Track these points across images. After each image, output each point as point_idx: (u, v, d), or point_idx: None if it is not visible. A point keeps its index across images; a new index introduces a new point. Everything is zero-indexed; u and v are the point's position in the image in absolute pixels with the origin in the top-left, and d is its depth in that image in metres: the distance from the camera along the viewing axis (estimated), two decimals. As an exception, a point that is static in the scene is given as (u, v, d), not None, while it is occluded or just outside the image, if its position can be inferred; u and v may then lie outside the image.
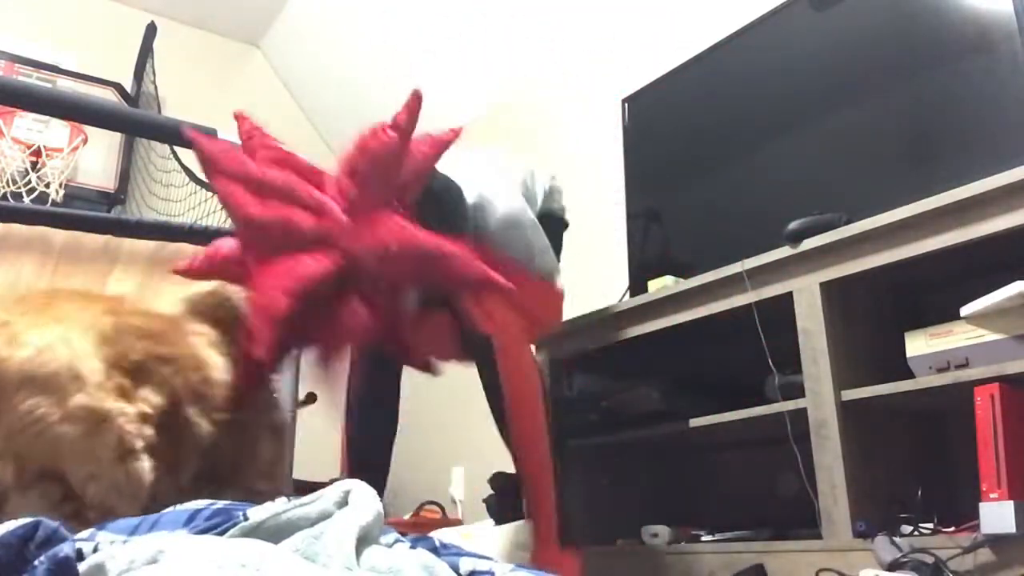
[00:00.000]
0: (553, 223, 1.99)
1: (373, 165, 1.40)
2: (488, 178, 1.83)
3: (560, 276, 1.85)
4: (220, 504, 0.77)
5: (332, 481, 0.82)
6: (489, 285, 1.44)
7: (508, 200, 1.80)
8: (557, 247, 2.01)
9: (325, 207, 1.34)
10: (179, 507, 0.78)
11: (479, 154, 2.00)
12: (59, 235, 1.79)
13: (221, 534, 0.72)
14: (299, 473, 1.68)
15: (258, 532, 0.72)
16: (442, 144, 1.53)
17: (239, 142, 1.60)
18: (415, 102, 1.42)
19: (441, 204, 1.66)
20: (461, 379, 1.77)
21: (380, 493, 0.86)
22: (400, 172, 1.44)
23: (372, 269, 1.37)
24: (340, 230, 1.34)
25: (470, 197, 1.75)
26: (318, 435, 1.94)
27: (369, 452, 1.82)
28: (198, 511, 0.75)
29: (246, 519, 0.73)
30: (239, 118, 1.49)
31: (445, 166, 1.61)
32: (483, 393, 1.73)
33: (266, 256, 1.32)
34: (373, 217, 1.38)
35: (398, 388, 1.89)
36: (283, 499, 0.76)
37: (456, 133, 1.55)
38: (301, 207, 1.33)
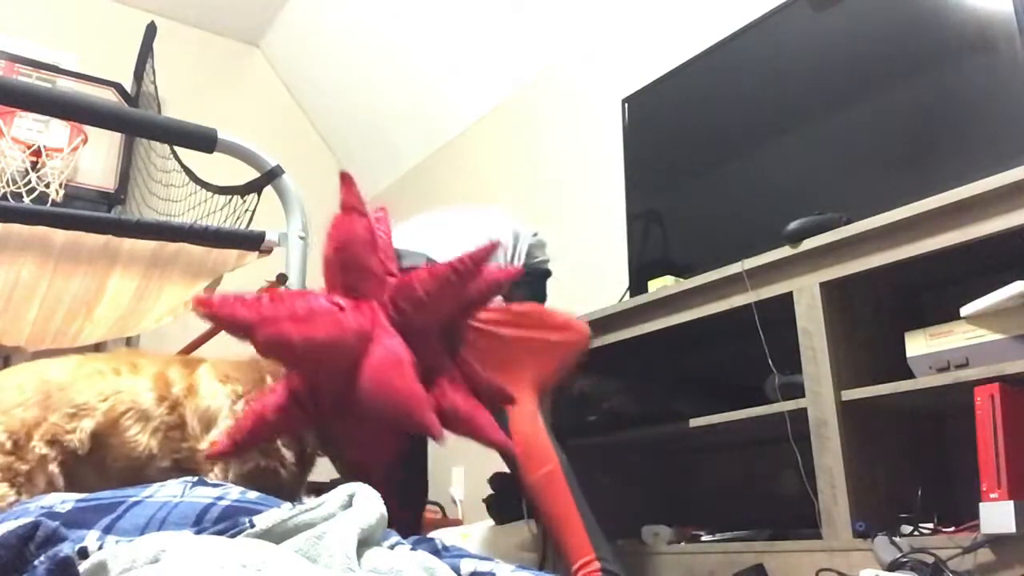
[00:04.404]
0: (538, 277, 2.11)
1: (436, 298, 1.49)
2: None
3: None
4: (227, 501, 0.77)
5: (333, 481, 0.82)
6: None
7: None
8: (542, 298, 2.11)
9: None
10: (186, 499, 0.78)
11: (467, 218, 2.09)
12: (59, 235, 1.79)
13: (226, 538, 0.72)
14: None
15: (264, 539, 0.72)
16: (498, 284, 1.59)
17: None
18: (487, 252, 1.46)
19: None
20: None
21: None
22: (454, 304, 1.54)
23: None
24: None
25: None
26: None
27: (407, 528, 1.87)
28: (206, 509, 0.75)
29: (252, 526, 0.73)
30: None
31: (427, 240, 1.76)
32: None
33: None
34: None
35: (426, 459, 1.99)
36: (288, 505, 0.77)
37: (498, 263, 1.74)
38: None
